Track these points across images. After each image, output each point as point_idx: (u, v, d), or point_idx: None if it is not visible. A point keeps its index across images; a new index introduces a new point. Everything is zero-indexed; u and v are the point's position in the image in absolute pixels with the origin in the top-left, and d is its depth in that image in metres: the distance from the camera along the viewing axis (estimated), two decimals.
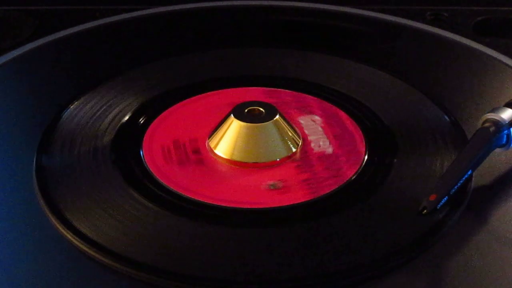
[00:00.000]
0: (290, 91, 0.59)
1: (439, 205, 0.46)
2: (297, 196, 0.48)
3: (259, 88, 0.59)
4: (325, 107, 0.57)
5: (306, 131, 0.54)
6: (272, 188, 0.49)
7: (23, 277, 0.44)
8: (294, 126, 0.53)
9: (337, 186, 0.49)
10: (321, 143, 0.53)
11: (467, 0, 0.73)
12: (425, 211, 0.46)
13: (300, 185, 0.49)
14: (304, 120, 0.55)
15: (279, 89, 0.59)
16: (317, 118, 0.56)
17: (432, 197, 0.46)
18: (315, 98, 0.58)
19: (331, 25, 0.70)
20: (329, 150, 0.53)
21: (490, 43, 0.65)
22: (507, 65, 0.62)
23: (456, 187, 0.46)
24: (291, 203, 0.48)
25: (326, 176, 0.50)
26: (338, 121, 0.55)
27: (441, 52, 0.66)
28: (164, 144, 0.53)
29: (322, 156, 0.52)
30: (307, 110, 0.56)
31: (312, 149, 0.53)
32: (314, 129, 0.55)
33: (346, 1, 0.72)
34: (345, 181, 0.50)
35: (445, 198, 0.46)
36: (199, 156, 0.52)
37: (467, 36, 0.67)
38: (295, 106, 0.57)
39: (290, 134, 0.52)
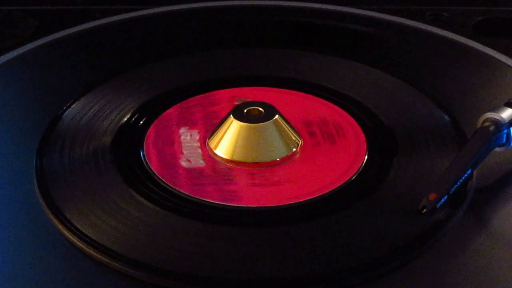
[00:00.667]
0: (296, 91, 0.59)
1: (438, 204, 0.46)
2: (297, 196, 0.48)
3: (260, 87, 0.59)
4: (325, 107, 0.57)
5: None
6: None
7: (23, 277, 0.44)
8: (293, 126, 0.53)
9: (337, 186, 0.49)
10: (320, 143, 0.53)
11: (467, 0, 0.73)
12: (424, 210, 0.46)
13: (299, 185, 0.49)
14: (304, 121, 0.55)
15: (279, 89, 0.59)
16: (316, 118, 0.56)
17: (432, 196, 0.46)
18: (315, 97, 0.58)
19: (331, 25, 0.70)
20: (328, 150, 0.53)
21: (490, 43, 0.65)
22: (507, 65, 0.62)
23: (455, 187, 0.46)
24: (291, 202, 0.48)
25: (326, 175, 0.50)
26: (338, 121, 0.55)
27: (441, 52, 0.66)
28: (164, 139, 0.53)
29: (322, 156, 0.52)
30: (305, 111, 0.56)
31: (312, 149, 0.53)
32: (314, 130, 0.55)
33: (346, 1, 0.72)
34: (345, 181, 0.50)
35: (444, 197, 0.46)
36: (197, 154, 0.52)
37: (467, 36, 0.67)
38: (291, 105, 0.57)
39: (290, 134, 0.52)
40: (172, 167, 0.51)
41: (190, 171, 0.51)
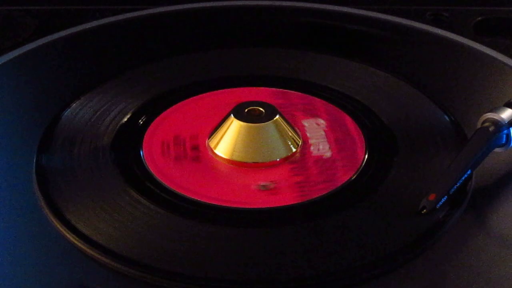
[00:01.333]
0: (298, 92, 0.59)
1: (438, 205, 0.46)
2: (293, 196, 0.48)
3: (259, 88, 0.59)
4: (330, 109, 0.57)
5: (308, 134, 0.54)
6: (262, 189, 0.49)
7: (23, 277, 0.44)
8: (294, 126, 0.53)
9: (337, 186, 0.49)
10: (320, 146, 0.53)
11: (467, 0, 0.73)
12: (424, 210, 0.46)
13: (296, 187, 0.49)
14: (308, 123, 0.55)
15: (285, 90, 0.59)
16: (321, 121, 0.56)
17: (432, 197, 0.46)
18: (321, 100, 0.58)
19: (331, 25, 0.70)
20: (328, 154, 0.52)
21: (490, 43, 0.65)
22: (507, 65, 0.62)
23: (455, 187, 0.46)
24: (290, 203, 0.48)
25: (325, 176, 0.50)
26: (341, 125, 0.55)
27: (441, 52, 0.66)
28: (164, 139, 0.53)
29: (319, 160, 0.52)
30: (313, 113, 0.56)
31: (311, 152, 0.53)
32: (317, 133, 0.55)
33: (347, 1, 0.72)
34: (345, 181, 0.50)
35: (444, 198, 0.46)
36: (197, 153, 0.52)
37: (467, 36, 0.67)
38: (302, 108, 0.57)
39: (290, 134, 0.52)
40: (169, 163, 0.51)
41: (188, 170, 0.51)
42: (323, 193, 0.49)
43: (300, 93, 0.58)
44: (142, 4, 0.72)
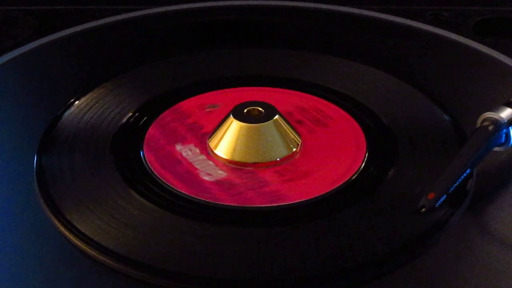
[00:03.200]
0: (288, 90, 0.59)
1: (437, 204, 0.46)
2: (297, 196, 0.48)
3: (260, 88, 0.59)
4: (330, 109, 0.57)
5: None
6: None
7: (23, 277, 0.44)
8: (294, 126, 0.53)
9: (337, 186, 0.49)
10: (319, 143, 0.53)
11: (467, 0, 0.73)
12: (423, 209, 0.46)
13: (299, 185, 0.49)
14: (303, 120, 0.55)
15: (280, 89, 0.59)
16: (317, 118, 0.56)
17: (431, 196, 0.46)
18: (315, 97, 0.58)
19: (331, 25, 0.70)
20: (328, 150, 0.53)
21: (490, 43, 0.65)
22: (507, 65, 0.62)
23: (454, 186, 0.46)
24: (290, 202, 0.48)
25: (325, 175, 0.50)
26: (341, 125, 0.55)
27: (441, 52, 0.66)
28: (164, 143, 0.53)
29: (322, 156, 0.52)
30: (305, 111, 0.56)
31: (311, 150, 0.53)
32: (314, 130, 0.55)
33: (346, 1, 0.72)
34: (344, 181, 0.50)
35: (443, 197, 0.46)
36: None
37: (467, 36, 0.67)
38: (295, 106, 0.57)
39: (290, 134, 0.52)
40: (174, 169, 0.51)
41: (218, 184, 0.50)
42: (333, 188, 0.49)
43: (298, 92, 0.59)
44: (142, 4, 0.72)
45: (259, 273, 0.43)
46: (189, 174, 0.51)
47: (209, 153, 0.52)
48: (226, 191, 0.49)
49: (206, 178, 0.50)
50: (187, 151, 0.52)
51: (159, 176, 0.50)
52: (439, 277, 0.44)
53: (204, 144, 0.53)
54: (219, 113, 0.54)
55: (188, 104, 0.57)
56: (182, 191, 0.49)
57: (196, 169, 0.51)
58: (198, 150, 0.53)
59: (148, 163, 0.51)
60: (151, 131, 0.54)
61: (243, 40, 0.68)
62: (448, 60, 0.65)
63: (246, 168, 0.51)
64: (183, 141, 0.54)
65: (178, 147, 0.53)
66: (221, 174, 0.50)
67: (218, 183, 0.50)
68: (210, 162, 0.52)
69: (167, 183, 0.49)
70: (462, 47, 0.66)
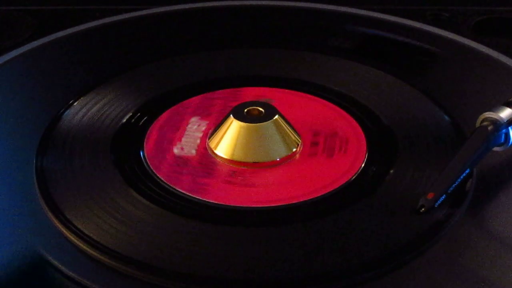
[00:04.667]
0: (288, 90, 0.59)
1: (437, 204, 0.46)
2: (297, 196, 0.48)
3: (260, 87, 0.59)
4: (330, 109, 0.57)
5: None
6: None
7: (23, 277, 0.44)
8: (293, 126, 0.53)
9: (337, 186, 0.49)
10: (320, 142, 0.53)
11: (467, 0, 0.73)
12: (422, 209, 0.46)
13: (299, 185, 0.49)
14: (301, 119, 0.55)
15: (278, 89, 0.59)
16: (315, 117, 0.56)
17: (430, 196, 0.46)
18: (315, 97, 0.58)
19: (331, 25, 0.70)
20: (328, 149, 0.53)
21: (490, 43, 0.65)
22: (507, 65, 0.62)
23: (454, 186, 0.46)
24: (290, 202, 0.48)
25: (325, 175, 0.50)
26: (337, 121, 0.55)
27: (441, 52, 0.66)
28: (165, 146, 0.53)
29: (322, 156, 0.52)
30: (304, 109, 0.57)
31: (311, 149, 0.53)
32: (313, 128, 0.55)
33: (346, 1, 0.72)
34: (345, 181, 0.50)
35: (443, 197, 0.46)
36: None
37: (467, 36, 0.67)
38: (291, 104, 0.57)
39: (290, 134, 0.52)
40: (172, 166, 0.51)
41: (177, 158, 0.51)
42: (333, 188, 0.49)
43: (298, 92, 0.59)
44: (142, 4, 0.72)
45: (259, 273, 0.43)
46: (168, 142, 0.52)
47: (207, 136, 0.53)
48: (171, 166, 0.50)
49: (175, 150, 0.52)
50: (195, 124, 0.54)
51: (159, 176, 0.50)
52: (439, 277, 0.44)
53: (211, 125, 0.54)
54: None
55: (188, 104, 0.57)
56: (182, 191, 0.49)
57: (179, 140, 0.53)
58: (204, 128, 0.54)
59: (148, 163, 0.51)
60: (151, 130, 0.54)
61: (243, 40, 0.68)
62: (448, 60, 0.65)
63: (217, 160, 0.51)
64: (202, 116, 0.55)
65: (194, 119, 0.55)
66: (191, 152, 0.52)
67: (177, 157, 0.51)
68: (198, 141, 0.53)
69: (167, 183, 0.49)
70: (462, 47, 0.66)
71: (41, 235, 0.46)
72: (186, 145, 0.53)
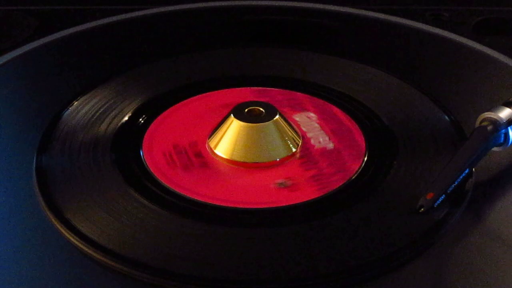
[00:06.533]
0: (284, 90, 0.59)
1: (436, 204, 0.46)
2: (297, 196, 0.48)
3: (260, 88, 0.59)
4: (321, 105, 0.57)
5: (303, 128, 0.54)
6: (281, 186, 0.49)
7: (23, 277, 0.44)
8: (293, 125, 0.53)
9: (337, 186, 0.49)
10: (320, 139, 0.53)
11: (467, 0, 0.73)
12: (422, 209, 0.46)
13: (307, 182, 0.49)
14: (299, 117, 0.55)
15: (275, 89, 0.59)
16: (312, 115, 0.56)
17: (429, 196, 0.46)
18: (311, 96, 0.58)
19: (331, 25, 0.70)
20: (330, 145, 0.53)
21: (490, 43, 0.65)
22: (507, 65, 0.62)
23: (453, 186, 0.46)
24: (290, 202, 0.48)
25: (324, 175, 0.50)
26: (341, 125, 0.55)
27: (441, 52, 0.66)
28: (165, 149, 0.53)
29: (325, 152, 0.52)
30: (302, 108, 0.56)
31: (314, 146, 0.53)
32: (312, 126, 0.55)
33: (346, 1, 0.72)
34: (345, 181, 0.50)
35: (442, 197, 0.46)
36: (202, 159, 0.52)
37: (467, 36, 0.67)
38: (288, 104, 0.57)
39: (290, 134, 0.52)
40: (177, 171, 0.51)
41: (177, 157, 0.52)
42: (324, 193, 0.49)
43: (287, 90, 0.59)
44: (142, 4, 0.72)
45: (259, 273, 0.43)
46: (169, 142, 0.53)
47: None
48: (171, 166, 0.51)
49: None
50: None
51: (159, 176, 0.50)
52: (439, 277, 0.44)
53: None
54: None
55: (188, 104, 0.57)
56: (182, 191, 0.49)
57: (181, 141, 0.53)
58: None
59: (148, 163, 0.51)
60: (151, 130, 0.54)
61: (243, 40, 0.68)
62: (448, 60, 0.65)
63: (218, 160, 0.51)
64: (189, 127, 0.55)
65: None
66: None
67: (177, 157, 0.52)
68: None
69: (167, 183, 0.49)
70: (462, 47, 0.66)
71: (40, 235, 0.46)
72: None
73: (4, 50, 0.64)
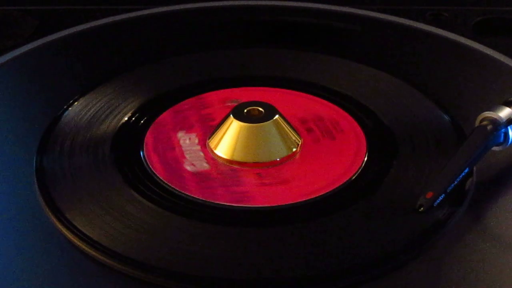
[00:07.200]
0: (284, 90, 0.59)
1: (435, 203, 0.46)
2: (297, 196, 0.48)
3: (260, 87, 0.59)
4: (330, 109, 0.57)
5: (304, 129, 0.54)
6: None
7: (23, 277, 0.44)
8: (293, 125, 0.53)
9: (337, 186, 0.49)
10: (320, 141, 0.53)
11: (467, 0, 0.73)
12: (421, 208, 0.46)
13: (299, 185, 0.49)
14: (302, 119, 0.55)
15: (276, 89, 0.59)
16: (315, 116, 0.56)
17: (429, 195, 0.46)
18: (315, 97, 0.58)
19: (331, 25, 0.70)
20: (328, 149, 0.53)
21: (490, 43, 0.65)
22: (507, 65, 0.62)
23: (453, 185, 0.46)
24: (290, 202, 0.48)
25: (325, 175, 0.50)
26: (336, 120, 0.55)
27: (441, 52, 0.66)
28: (164, 143, 0.53)
29: (322, 156, 0.52)
30: (304, 109, 0.57)
31: (312, 149, 0.53)
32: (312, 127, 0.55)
33: (346, 1, 0.72)
34: (344, 181, 0.50)
35: (442, 196, 0.46)
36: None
37: (467, 36, 0.67)
38: (288, 104, 0.57)
39: (290, 134, 0.52)
40: (175, 169, 0.51)
41: (196, 175, 0.50)
42: (323, 193, 0.49)
43: (298, 92, 0.59)
44: (142, 4, 0.72)
45: (259, 273, 0.43)
46: (175, 161, 0.51)
47: (205, 145, 0.52)
48: (198, 183, 0.49)
49: (188, 168, 0.51)
50: (186, 140, 0.53)
51: (159, 176, 0.50)
52: (439, 277, 0.44)
53: (207, 135, 0.53)
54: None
55: (188, 104, 0.57)
56: (182, 191, 0.49)
57: (184, 157, 0.52)
58: (197, 141, 0.53)
59: (148, 163, 0.51)
60: (151, 130, 0.54)
61: (243, 40, 0.68)
62: (448, 60, 0.65)
63: (233, 166, 0.51)
64: (188, 129, 0.54)
65: (180, 134, 0.53)
66: (204, 166, 0.51)
67: (195, 174, 0.50)
68: (201, 153, 0.52)
69: (167, 183, 0.49)
70: (462, 47, 0.66)
71: (41, 235, 0.46)
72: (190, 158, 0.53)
73: (4, 50, 0.64)
